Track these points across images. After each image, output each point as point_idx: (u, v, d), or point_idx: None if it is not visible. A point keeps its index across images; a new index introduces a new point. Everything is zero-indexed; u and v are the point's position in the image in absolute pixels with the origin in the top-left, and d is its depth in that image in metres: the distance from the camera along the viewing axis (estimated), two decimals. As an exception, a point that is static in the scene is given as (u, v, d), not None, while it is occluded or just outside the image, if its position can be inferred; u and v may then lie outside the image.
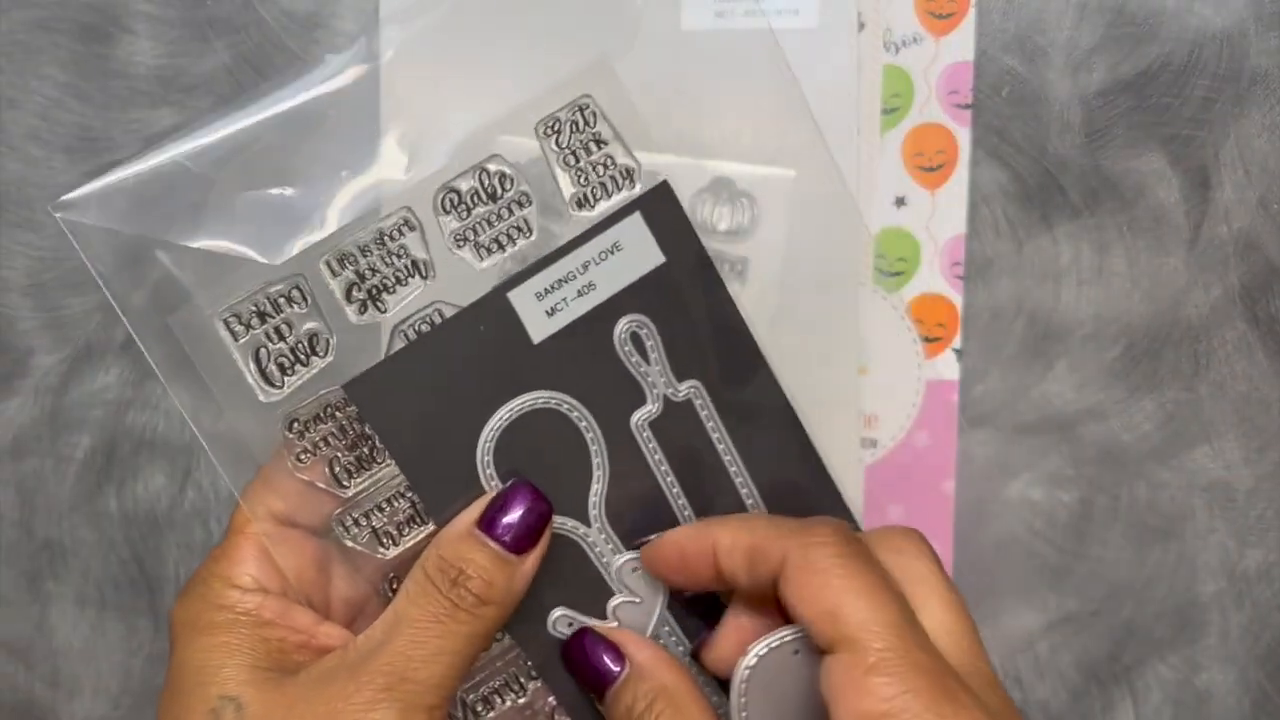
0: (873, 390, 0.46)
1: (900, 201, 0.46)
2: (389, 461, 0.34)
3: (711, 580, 0.33)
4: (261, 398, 0.33)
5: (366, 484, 0.34)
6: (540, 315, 0.35)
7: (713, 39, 0.45)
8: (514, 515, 0.33)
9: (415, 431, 0.33)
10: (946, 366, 0.46)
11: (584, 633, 0.34)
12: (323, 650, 0.32)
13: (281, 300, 0.34)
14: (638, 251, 0.36)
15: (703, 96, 0.46)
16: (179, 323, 0.33)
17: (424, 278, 0.35)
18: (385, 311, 0.35)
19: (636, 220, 0.37)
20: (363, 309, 0.34)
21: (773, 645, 0.31)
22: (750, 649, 0.31)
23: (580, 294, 0.36)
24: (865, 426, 0.46)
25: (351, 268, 0.34)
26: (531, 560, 0.33)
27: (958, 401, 0.46)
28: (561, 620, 0.35)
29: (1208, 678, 0.46)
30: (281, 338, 0.33)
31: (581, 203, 0.36)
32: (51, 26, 0.46)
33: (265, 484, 0.34)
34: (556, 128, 0.37)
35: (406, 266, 0.35)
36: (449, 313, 0.34)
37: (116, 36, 0.46)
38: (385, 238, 0.35)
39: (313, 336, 0.34)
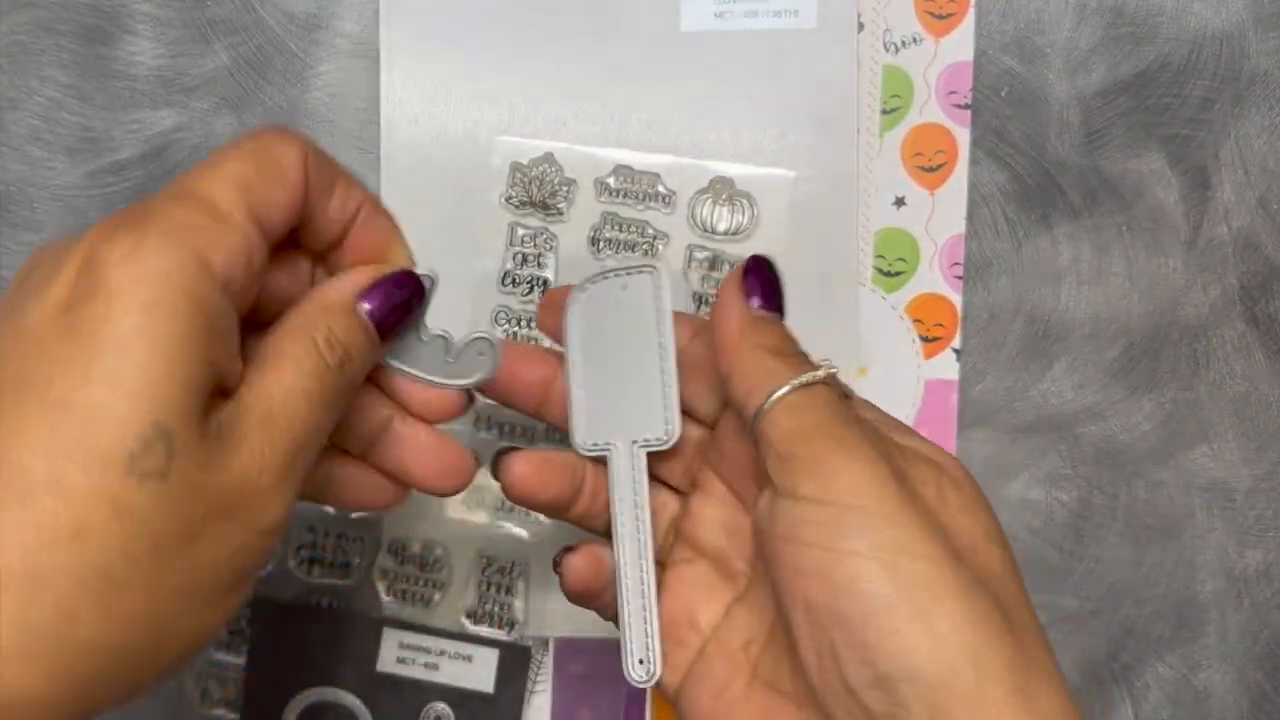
0: (872, 390, 0.46)
1: (900, 201, 0.46)
2: None
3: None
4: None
5: None
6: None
7: (712, 40, 0.45)
8: (392, 303, 0.30)
9: None
10: (945, 366, 0.46)
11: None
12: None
13: None
14: (480, 673, 0.45)
15: (703, 97, 0.46)
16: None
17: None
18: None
19: (493, 656, 0.45)
20: None
21: (602, 277, 0.35)
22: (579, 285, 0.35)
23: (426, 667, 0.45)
24: (864, 426, 0.46)
25: None
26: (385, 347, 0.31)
27: (957, 401, 0.46)
28: None
29: (1206, 677, 0.47)
30: None
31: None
32: (53, 28, 0.46)
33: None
34: None
35: None
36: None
37: (118, 37, 0.46)
38: None
39: None
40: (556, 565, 0.34)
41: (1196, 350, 0.46)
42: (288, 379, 0.27)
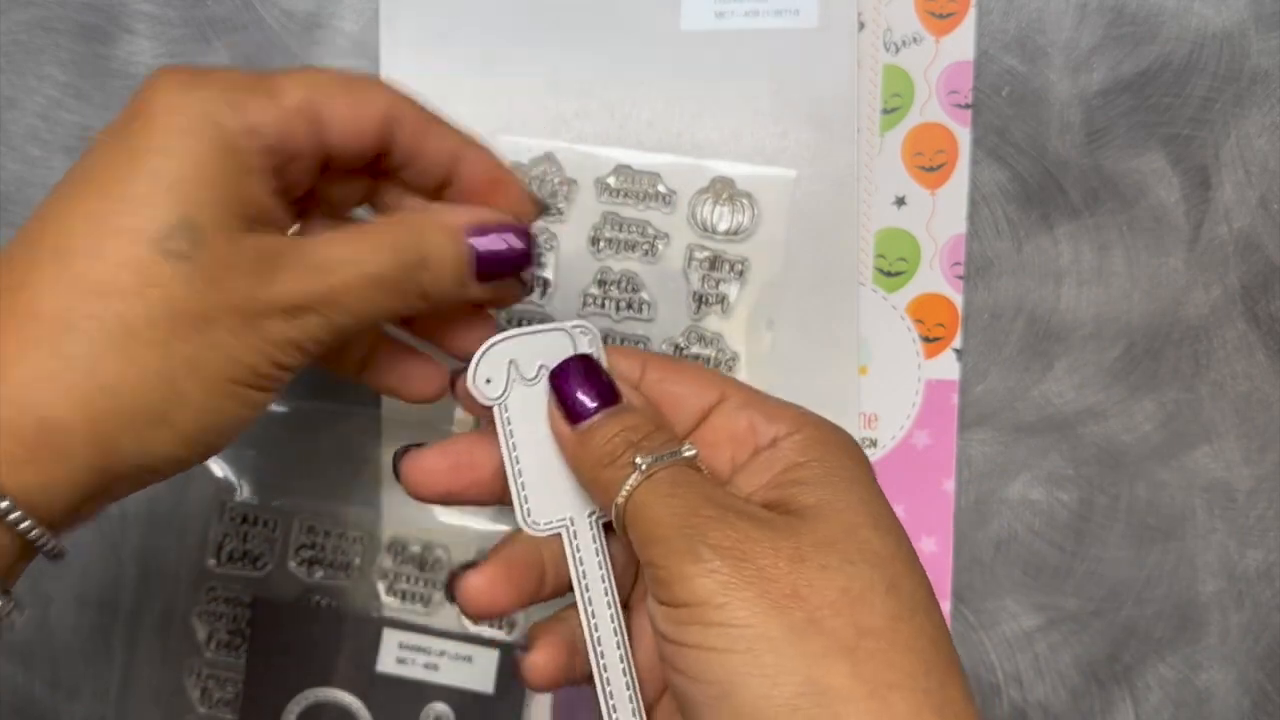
0: (873, 390, 0.46)
1: (900, 201, 0.46)
2: None
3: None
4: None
5: None
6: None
7: (713, 39, 0.45)
8: (499, 250, 0.32)
9: None
10: (946, 366, 0.46)
11: (585, 358, 0.32)
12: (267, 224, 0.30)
13: None
14: (480, 674, 0.45)
15: (703, 96, 0.46)
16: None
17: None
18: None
19: (493, 656, 0.45)
20: None
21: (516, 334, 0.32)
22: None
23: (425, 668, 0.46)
24: (865, 426, 0.46)
25: None
26: (480, 290, 0.32)
27: (957, 402, 0.46)
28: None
29: (1207, 677, 0.46)
30: None
31: None
32: (52, 26, 0.46)
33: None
34: None
35: None
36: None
37: (117, 36, 0.46)
38: None
39: None
40: (516, 670, 0.33)
41: (1198, 350, 0.46)
42: (353, 250, 0.30)
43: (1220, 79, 0.45)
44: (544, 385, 0.32)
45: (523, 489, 0.32)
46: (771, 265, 0.46)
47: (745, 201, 0.45)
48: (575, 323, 0.32)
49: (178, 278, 0.27)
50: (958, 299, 0.46)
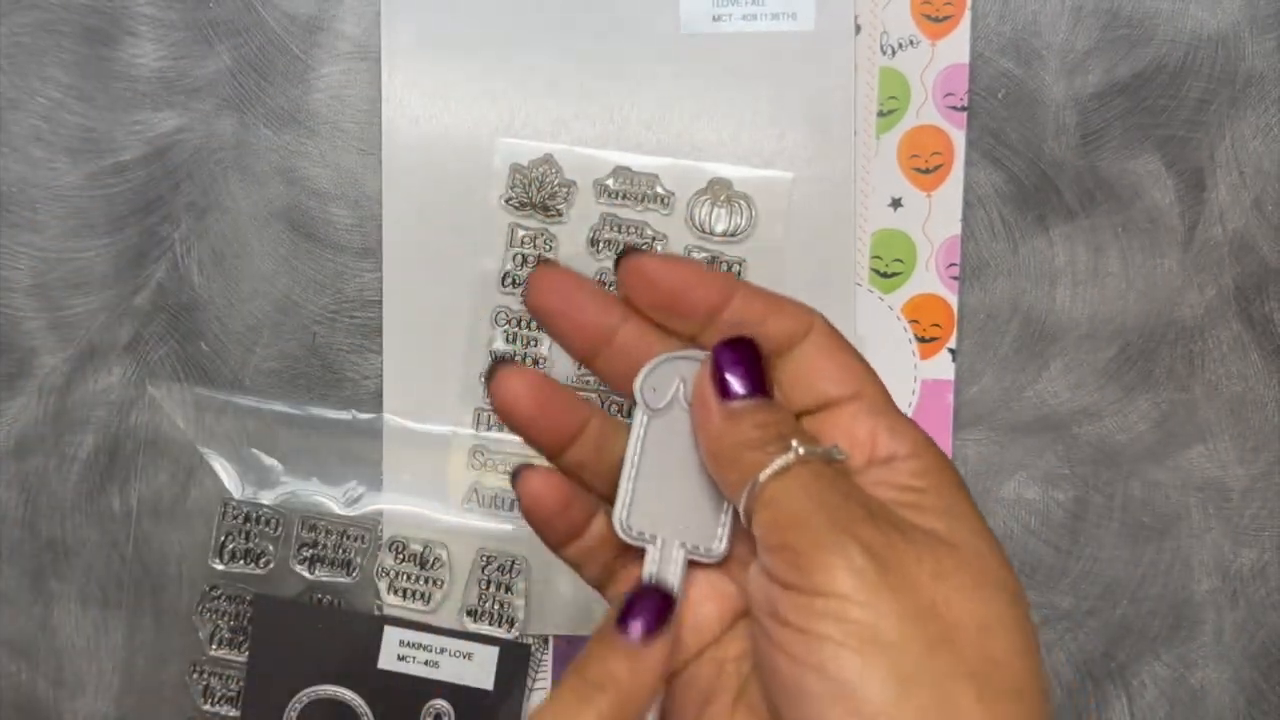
0: (869, 390, 0.46)
1: (896, 203, 0.46)
2: None
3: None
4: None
5: None
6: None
7: (711, 42, 0.46)
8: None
9: None
10: (942, 366, 0.46)
11: (755, 343, 0.31)
12: None
13: None
14: (480, 671, 0.46)
15: (701, 99, 0.46)
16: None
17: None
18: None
19: (493, 653, 0.46)
20: None
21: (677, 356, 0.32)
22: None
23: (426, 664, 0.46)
24: (862, 426, 0.46)
25: None
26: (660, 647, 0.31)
27: (953, 401, 0.46)
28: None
29: (1202, 676, 0.47)
30: None
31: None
32: (55, 28, 0.46)
33: None
34: None
35: None
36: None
37: (119, 39, 0.46)
38: None
39: None
40: (514, 481, 0.32)
41: (1192, 351, 0.46)
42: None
43: (1215, 81, 0.46)
44: None
45: (632, 491, 0.32)
46: (769, 266, 0.46)
47: (743, 203, 0.46)
48: None
49: None
50: (953, 299, 0.46)
